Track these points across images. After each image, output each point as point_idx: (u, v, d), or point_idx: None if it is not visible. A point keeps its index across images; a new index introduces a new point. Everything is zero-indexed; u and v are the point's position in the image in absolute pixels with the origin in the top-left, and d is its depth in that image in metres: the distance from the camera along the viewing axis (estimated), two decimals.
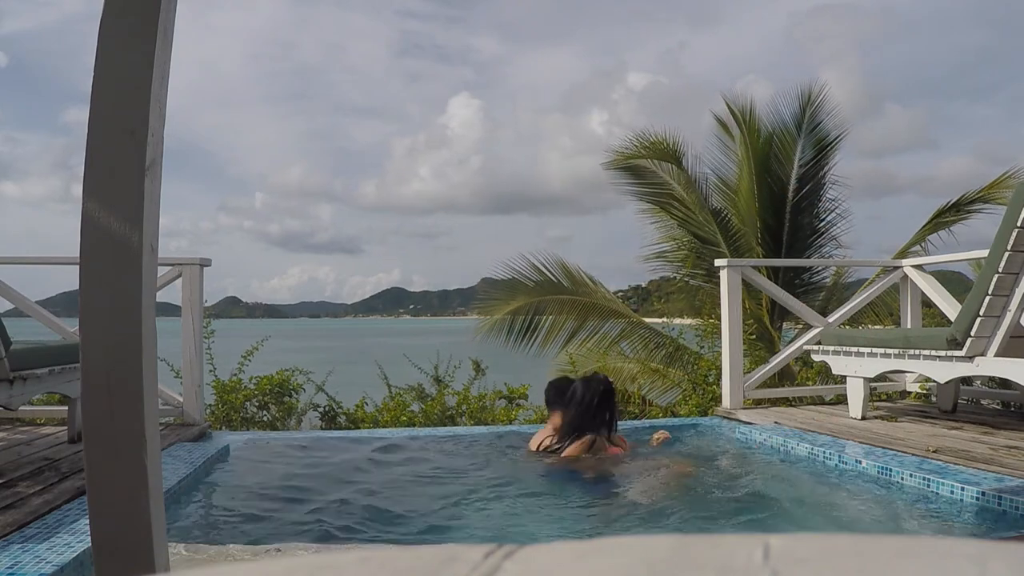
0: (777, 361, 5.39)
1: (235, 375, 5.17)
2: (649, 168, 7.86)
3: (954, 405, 4.81)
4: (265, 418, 5.15)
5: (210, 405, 4.98)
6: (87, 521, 1.36)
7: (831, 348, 4.75)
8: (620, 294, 9.40)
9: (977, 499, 2.80)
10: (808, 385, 5.73)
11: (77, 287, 1.24)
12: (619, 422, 4.61)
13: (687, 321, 7.43)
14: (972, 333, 3.81)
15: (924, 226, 7.44)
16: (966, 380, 4.77)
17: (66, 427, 4.15)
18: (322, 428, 5.13)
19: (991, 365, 3.81)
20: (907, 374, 5.34)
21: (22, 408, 4.08)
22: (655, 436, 4.28)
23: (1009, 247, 3.69)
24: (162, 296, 4.37)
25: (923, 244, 7.40)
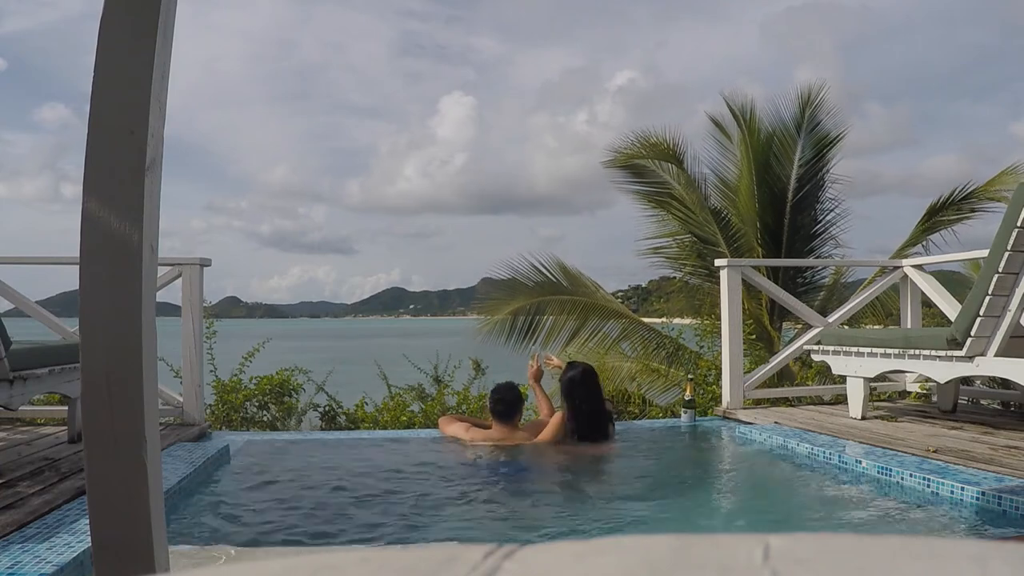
0: (777, 361, 5.39)
1: (235, 375, 5.17)
2: (649, 167, 7.87)
3: (954, 405, 4.81)
4: (265, 418, 5.15)
5: (210, 405, 4.98)
6: (87, 521, 1.36)
7: (831, 348, 4.75)
8: (620, 294, 9.41)
9: (977, 499, 2.80)
10: (808, 385, 5.73)
11: (77, 287, 1.24)
12: (618, 422, 4.63)
13: (687, 321, 7.43)
14: (972, 333, 3.81)
15: (920, 224, 7.43)
16: (966, 380, 4.77)
17: (66, 427, 4.15)
18: (322, 428, 5.13)
19: (991, 365, 3.80)
20: (907, 374, 5.34)
21: (22, 408, 4.08)
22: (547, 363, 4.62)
23: (1009, 247, 3.69)
24: (162, 296, 4.37)
25: (925, 244, 7.39)
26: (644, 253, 7.92)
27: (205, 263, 4.68)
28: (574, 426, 4.06)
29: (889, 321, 6.74)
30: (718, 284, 5.29)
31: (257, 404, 5.16)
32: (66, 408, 4.19)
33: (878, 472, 3.29)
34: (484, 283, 7.95)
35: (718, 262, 5.28)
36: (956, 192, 7.26)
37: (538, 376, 4.51)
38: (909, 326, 5.48)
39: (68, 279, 4.36)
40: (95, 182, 1.24)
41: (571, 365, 4.27)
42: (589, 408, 4.09)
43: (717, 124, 7.99)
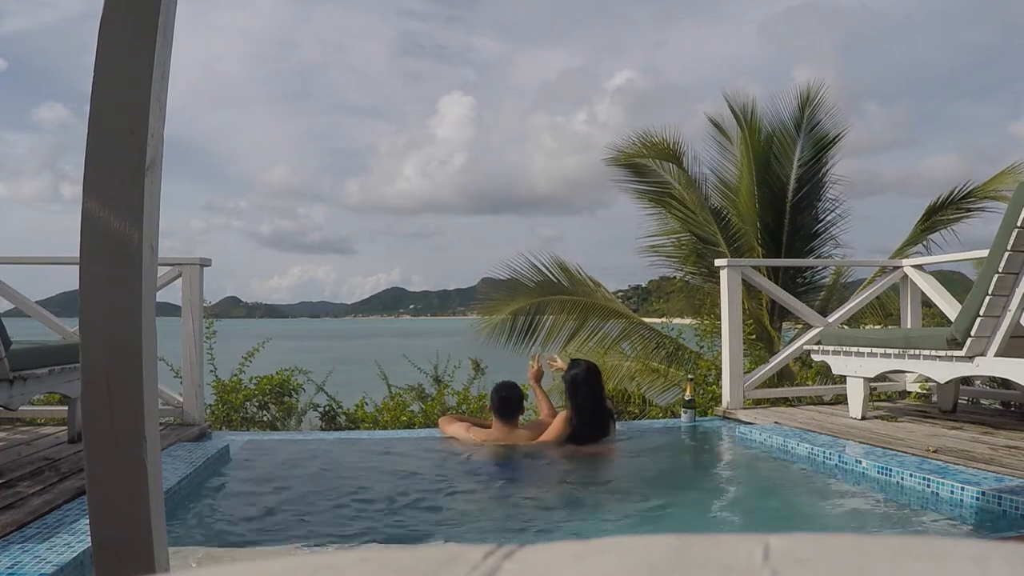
0: (777, 361, 5.39)
1: (235, 375, 5.17)
2: (650, 167, 7.87)
3: (954, 405, 4.81)
4: (265, 418, 5.15)
5: (210, 405, 4.98)
6: (87, 521, 1.36)
7: (831, 348, 4.75)
8: (620, 294, 9.41)
9: (977, 499, 2.80)
10: (808, 385, 5.73)
11: (77, 287, 1.24)
12: (618, 422, 4.64)
13: (687, 321, 7.43)
14: (972, 333, 3.81)
15: (919, 224, 7.43)
16: (966, 380, 4.77)
17: (66, 427, 4.16)
18: (322, 428, 5.13)
19: (991, 365, 3.80)
20: (907, 374, 5.34)
21: (22, 408, 4.08)
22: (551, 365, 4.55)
23: (1009, 247, 3.69)
24: (162, 296, 4.37)
25: (926, 244, 7.39)
26: (644, 251, 7.93)
27: (205, 263, 4.68)
28: (576, 423, 4.06)
29: (889, 321, 6.74)
30: (718, 284, 5.29)
31: (257, 404, 5.16)
32: (66, 408, 4.19)
33: (878, 472, 3.29)
34: (484, 283, 7.95)
35: (718, 262, 5.28)
36: (955, 192, 7.25)
37: (538, 376, 4.51)
38: (909, 326, 5.48)
39: (68, 279, 4.36)
40: (95, 182, 1.24)
41: (574, 363, 4.27)
42: (591, 406, 4.10)
43: (716, 125, 7.99)
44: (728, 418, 4.93)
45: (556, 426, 4.07)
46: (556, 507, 3.16)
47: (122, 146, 1.24)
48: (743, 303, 5.73)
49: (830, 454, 3.64)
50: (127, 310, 1.23)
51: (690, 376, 5.22)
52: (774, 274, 6.92)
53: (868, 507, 3.08)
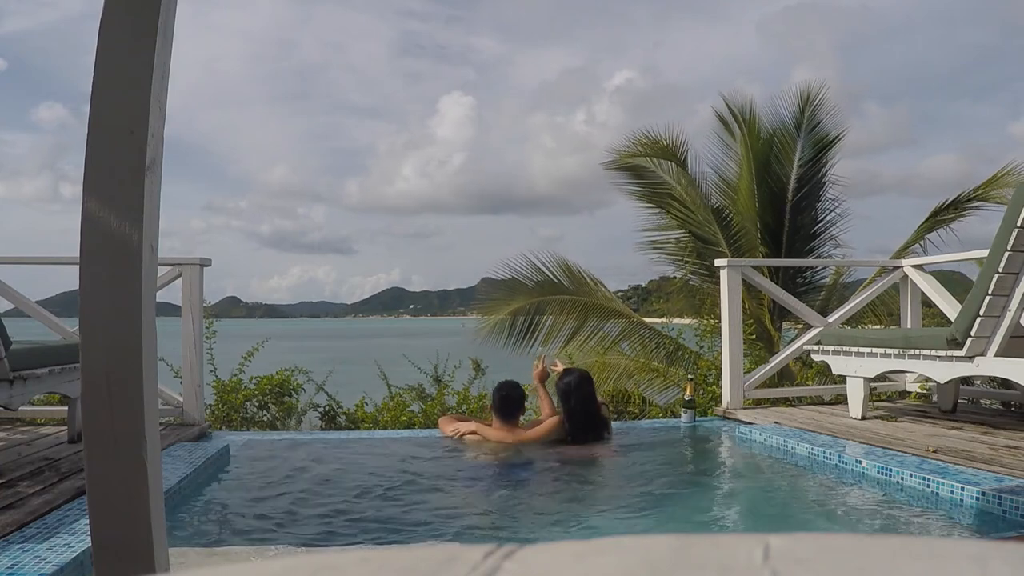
0: (777, 361, 5.39)
1: (235, 375, 5.17)
2: (649, 168, 7.87)
3: (954, 405, 4.81)
4: (265, 418, 5.16)
5: (210, 405, 4.98)
6: (87, 521, 1.36)
7: (831, 348, 4.75)
8: (620, 294, 9.41)
9: (977, 499, 2.80)
10: (808, 385, 5.73)
11: (77, 287, 1.24)
12: (618, 422, 4.64)
13: (687, 321, 7.43)
14: (972, 333, 3.81)
15: (923, 224, 7.43)
16: (966, 380, 4.77)
17: (66, 427, 4.16)
18: (322, 428, 5.13)
19: (991, 365, 3.80)
20: (907, 374, 5.34)
21: (22, 408, 4.08)
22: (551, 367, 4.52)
23: (1009, 247, 3.69)
24: (162, 296, 4.37)
25: (923, 244, 7.39)
26: (644, 247, 7.92)
27: (205, 263, 4.68)
28: (569, 429, 4.11)
29: (889, 321, 6.74)
30: (718, 284, 5.29)
31: (257, 404, 5.16)
32: (66, 408, 4.19)
33: (878, 472, 3.29)
34: (484, 283, 7.95)
35: (718, 262, 5.28)
36: (962, 195, 7.25)
37: (543, 377, 4.51)
38: (909, 326, 5.48)
39: (68, 279, 4.36)
40: (95, 182, 1.24)
41: (567, 371, 4.33)
42: (584, 413, 4.15)
43: (722, 120, 7.97)
44: (728, 418, 4.93)
45: (548, 424, 4.12)
46: (556, 507, 3.16)
47: (122, 146, 1.24)
48: (743, 303, 5.73)
49: (830, 454, 3.64)
50: (127, 310, 1.23)
51: (690, 376, 5.22)
52: (774, 274, 6.93)
53: (868, 507, 3.08)
